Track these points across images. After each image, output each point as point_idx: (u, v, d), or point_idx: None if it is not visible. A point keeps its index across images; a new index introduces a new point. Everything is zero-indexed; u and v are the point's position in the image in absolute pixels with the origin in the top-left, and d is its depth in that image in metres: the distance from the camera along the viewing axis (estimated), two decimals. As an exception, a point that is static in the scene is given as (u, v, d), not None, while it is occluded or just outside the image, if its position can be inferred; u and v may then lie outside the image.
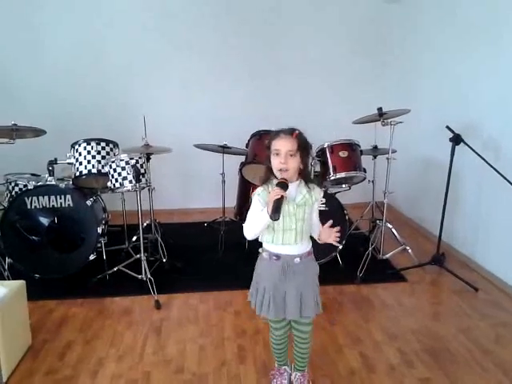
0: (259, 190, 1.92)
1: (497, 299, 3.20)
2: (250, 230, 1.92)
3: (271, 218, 1.76)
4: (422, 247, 3.98)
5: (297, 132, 1.85)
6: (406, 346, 2.63)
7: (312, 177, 1.94)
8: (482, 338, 2.71)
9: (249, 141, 3.90)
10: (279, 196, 1.76)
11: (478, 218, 3.65)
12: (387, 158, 3.63)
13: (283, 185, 1.81)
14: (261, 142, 3.72)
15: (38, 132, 3.52)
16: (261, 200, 1.88)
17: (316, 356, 2.51)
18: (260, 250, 2.03)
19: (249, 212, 1.93)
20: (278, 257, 1.94)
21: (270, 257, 1.96)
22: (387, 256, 3.74)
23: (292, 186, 1.87)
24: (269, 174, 1.92)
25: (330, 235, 1.93)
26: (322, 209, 3.42)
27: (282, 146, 1.82)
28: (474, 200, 3.70)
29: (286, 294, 1.95)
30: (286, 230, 1.89)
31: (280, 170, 1.84)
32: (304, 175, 1.92)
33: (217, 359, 2.51)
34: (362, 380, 2.35)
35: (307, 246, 1.98)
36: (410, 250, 3.74)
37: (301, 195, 1.89)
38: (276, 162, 1.84)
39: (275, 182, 1.86)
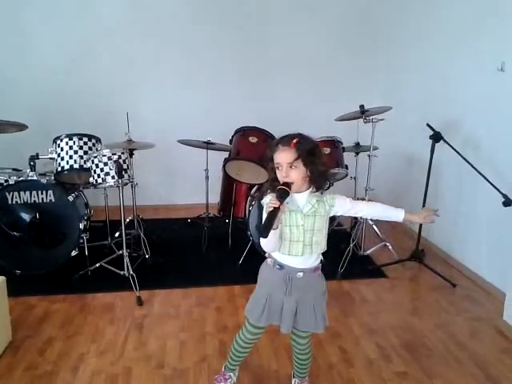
0: (268, 198, 1.78)
1: (473, 294, 3.28)
2: (264, 245, 1.81)
3: (260, 234, 1.67)
4: (402, 244, 4.05)
5: (294, 141, 1.72)
6: (385, 341, 2.69)
7: (325, 182, 1.84)
8: (458, 333, 2.78)
9: (232, 137, 3.91)
10: (271, 208, 1.66)
11: (457, 215, 3.71)
12: (369, 155, 3.68)
13: (282, 193, 1.69)
14: (244, 138, 3.74)
15: (20, 126, 3.49)
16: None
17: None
18: (266, 254, 1.96)
19: None
20: (282, 267, 1.87)
21: (273, 264, 1.90)
22: (368, 252, 3.79)
23: (302, 196, 1.80)
24: (274, 184, 1.78)
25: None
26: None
27: (282, 159, 1.73)
28: (453, 197, 3.76)
29: (284, 306, 1.90)
30: (292, 241, 1.81)
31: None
32: (314, 182, 1.79)
33: (198, 354, 2.53)
34: (340, 374, 2.39)
35: (314, 261, 1.90)
36: (390, 247, 3.80)
37: (309, 205, 1.79)
38: (279, 176, 1.75)
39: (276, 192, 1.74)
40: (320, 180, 1.79)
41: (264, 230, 1.66)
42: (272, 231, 1.69)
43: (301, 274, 1.87)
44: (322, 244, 1.88)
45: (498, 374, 2.41)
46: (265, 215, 1.74)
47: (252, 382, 2.32)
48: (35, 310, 2.97)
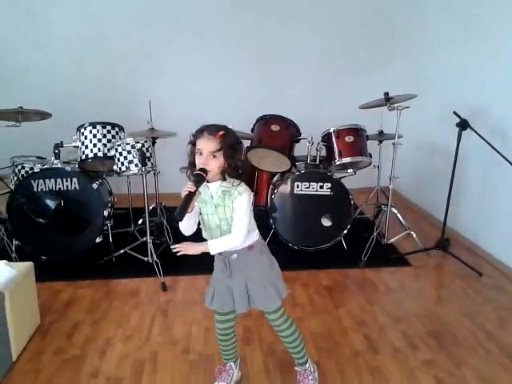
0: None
1: (500, 283, 3.22)
2: (181, 228, 1.89)
3: (175, 218, 1.73)
4: (427, 232, 3.99)
5: (221, 133, 1.77)
6: (410, 329, 2.66)
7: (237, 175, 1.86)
8: (486, 322, 2.74)
9: (254, 125, 3.88)
10: (187, 192, 1.73)
11: (483, 204, 3.65)
12: (393, 143, 3.62)
13: (199, 177, 1.76)
14: (266, 126, 3.71)
15: (44, 115, 3.53)
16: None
17: (321, 339, 2.55)
18: None
19: None
20: (220, 252, 1.92)
21: None
22: (392, 241, 3.75)
23: (213, 186, 1.84)
24: (192, 169, 1.85)
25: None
26: (326, 193, 3.50)
27: (204, 147, 1.77)
28: (478, 185, 3.70)
29: (233, 289, 1.95)
30: (211, 228, 1.89)
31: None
32: (226, 173, 1.82)
33: (223, 340, 2.54)
34: (366, 361, 2.38)
35: (245, 242, 1.89)
36: (414, 235, 3.75)
37: (217, 195, 1.84)
38: (198, 162, 1.80)
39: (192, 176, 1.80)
40: (231, 172, 1.83)
41: (179, 213, 1.71)
42: (187, 214, 1.76)
43: (235, 256, 1.91)
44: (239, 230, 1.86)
45: (528, 363, 2.37)
46: None
47: (278, 367, 2.33)
48: (61, 294, 3.02)
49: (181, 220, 1.74)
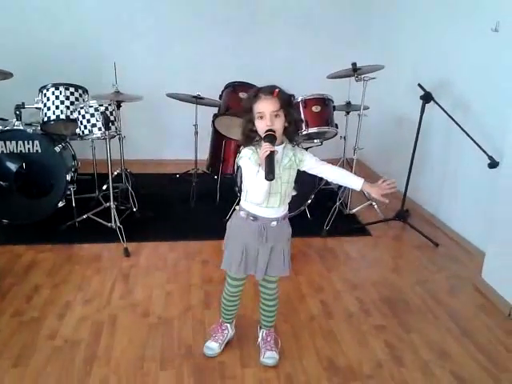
0: (248, 153, 1.84)
1: (455, 253, 3.36)
2: (257, 197, 1.86)
3: (266, 178, 1.71)
4: (389, 204, 4.04)
5: (277, 90, 1.76)
6: (365, 296, 2.76)
7: (297, 133, 1.93)
8: (437, 289, 2.86)
9: (222, 92, 3.85)
10: (268, 152, 1.71)
11: (444, 177, 3.75)
12: (359, 114, 3.66)
13: (270, 138, 1.75)
14: (234, 93, 3.69)
15: (5, 74, 3.41)
16: (254, 163, 1.82)
17: (279, 304, 2.60)
18: (237, 207, 2.01)
19: (245, 179, 1.90)
20: (256, 218, 1.92)
21: (247, 216, 1.93)
22: (354, 211, 3.83)
23: (278, 149, 1.82)
24: (251, 136, 1.85)
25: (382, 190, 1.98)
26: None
27: (266, 108, 1.75)
28: (440, 158, 3.78)
29: (259, 255, 1.97)
30: (272, 193, 1.85)
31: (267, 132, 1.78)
32: (288, 133, 1.85)
33: (183, 304, 2.58)
34: (321, 325, 2.46)
35: (284, 209, 1.97)
36: (375, 206, 3.85)
37: (287, 158, 1.86)
38: (262, 126, 1.77)
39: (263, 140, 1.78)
40: (293, 131, 1.88)
41: (269, 173, 1.71)
42: (267, 182, 1.75)
43: (274, 223, 1.94)
44: (291, 195, 1.97)
45: (473, 328, 2.49)
46: (250, 170, 1.82)
47: (236, 330, 2.37)
48: (22, 258, 2.99)
49: (273, 178, 1.72)
